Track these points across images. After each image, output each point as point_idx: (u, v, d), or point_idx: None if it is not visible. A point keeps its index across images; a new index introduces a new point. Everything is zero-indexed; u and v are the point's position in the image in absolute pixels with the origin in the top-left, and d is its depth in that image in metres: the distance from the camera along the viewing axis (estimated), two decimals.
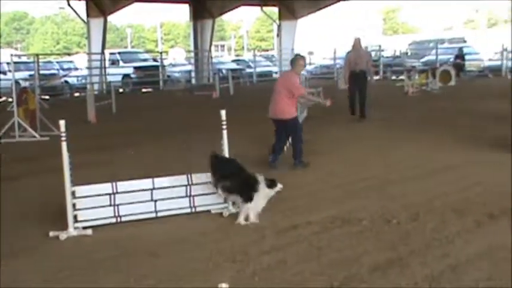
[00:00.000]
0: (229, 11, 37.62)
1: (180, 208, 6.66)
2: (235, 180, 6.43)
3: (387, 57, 36.42)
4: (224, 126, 6.87)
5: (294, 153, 9.32)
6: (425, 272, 4.82)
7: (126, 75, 30.58)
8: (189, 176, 6.79)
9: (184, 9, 37.01)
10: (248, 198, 6.38)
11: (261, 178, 6.47)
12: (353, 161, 9.83)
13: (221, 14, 37.98)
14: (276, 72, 34.79)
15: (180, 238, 5.94)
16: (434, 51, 33.74)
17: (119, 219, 6.37)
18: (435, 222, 6.12)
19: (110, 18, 32.05)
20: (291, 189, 7.26)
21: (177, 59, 41.17)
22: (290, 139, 9.67)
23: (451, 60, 31.22)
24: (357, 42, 14.98)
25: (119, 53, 33.48)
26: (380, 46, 36.44)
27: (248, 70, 36.10)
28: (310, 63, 34.75)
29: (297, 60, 9.38)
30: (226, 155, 6.85)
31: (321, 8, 35.56)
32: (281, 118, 9.22)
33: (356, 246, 5.49)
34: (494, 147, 10.01)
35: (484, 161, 9.20)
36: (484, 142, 10.69)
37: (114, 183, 6.45)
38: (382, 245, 5.52)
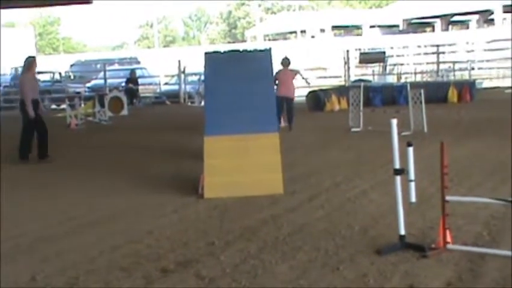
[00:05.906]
0: None
1: None
2: None
3: (45, 81, 36.19)
4: None
5: None
6: None
7: None
8: None
9: None
10: None
11: None
12: None
13: None
14: None
15: None
16: (102, 74, 34.52)
17: None
18: (99, 285, 6.20)
19: None
20: None
21: None
22: None
23: (123, 85, 32.23)
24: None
25: None
26: None
27: None
28: None
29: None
30: None
31: None
32: None
33: None
34: (169, 188, 10.61)
35: (157, 204, 9.62)
36: (157, 182, 11.26)
37: None
38: None
